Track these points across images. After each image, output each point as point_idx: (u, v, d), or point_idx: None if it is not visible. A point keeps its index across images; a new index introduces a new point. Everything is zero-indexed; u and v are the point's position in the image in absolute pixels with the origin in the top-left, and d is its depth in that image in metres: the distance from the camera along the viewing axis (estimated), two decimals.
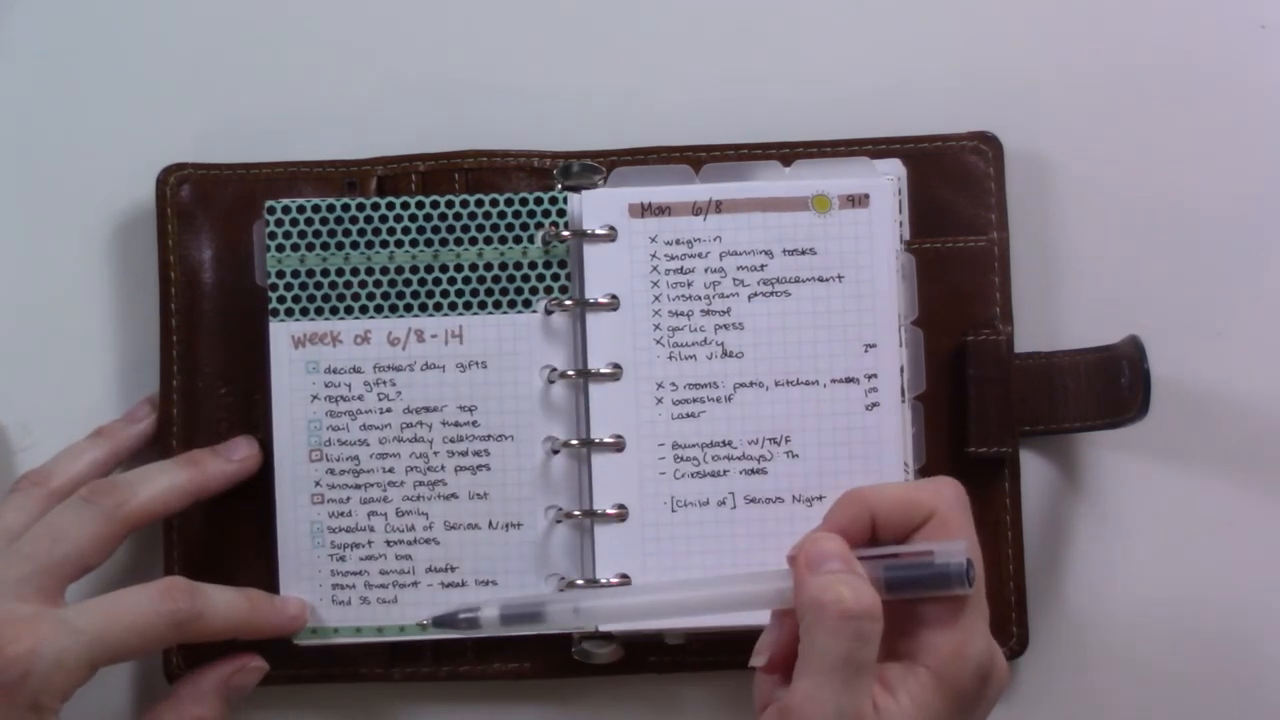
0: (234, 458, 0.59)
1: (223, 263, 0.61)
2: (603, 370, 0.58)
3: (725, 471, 0.58)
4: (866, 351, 0.58)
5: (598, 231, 0.59)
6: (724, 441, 0.58)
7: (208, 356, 0.60)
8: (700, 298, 0.58)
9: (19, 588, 0.54)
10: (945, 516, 0.50)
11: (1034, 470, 0.62)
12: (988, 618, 0.50)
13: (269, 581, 0.59)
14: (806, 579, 0.48)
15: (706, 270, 0.58)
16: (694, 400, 0.58)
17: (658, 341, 0.58)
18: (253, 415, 0.60)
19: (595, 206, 0.59)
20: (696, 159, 0.61)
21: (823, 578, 0.48)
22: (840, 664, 0.47)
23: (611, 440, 0.58)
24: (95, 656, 0.53)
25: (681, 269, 0.59)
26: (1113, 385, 0.59)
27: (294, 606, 0.58)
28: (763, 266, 0.58)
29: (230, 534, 0.60)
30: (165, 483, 0.57)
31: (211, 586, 0.56)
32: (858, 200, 0.58)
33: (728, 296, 0.58)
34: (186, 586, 0.55)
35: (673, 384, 0.58)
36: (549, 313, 0.59)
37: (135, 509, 0.56)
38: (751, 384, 0.58)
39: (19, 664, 0.52)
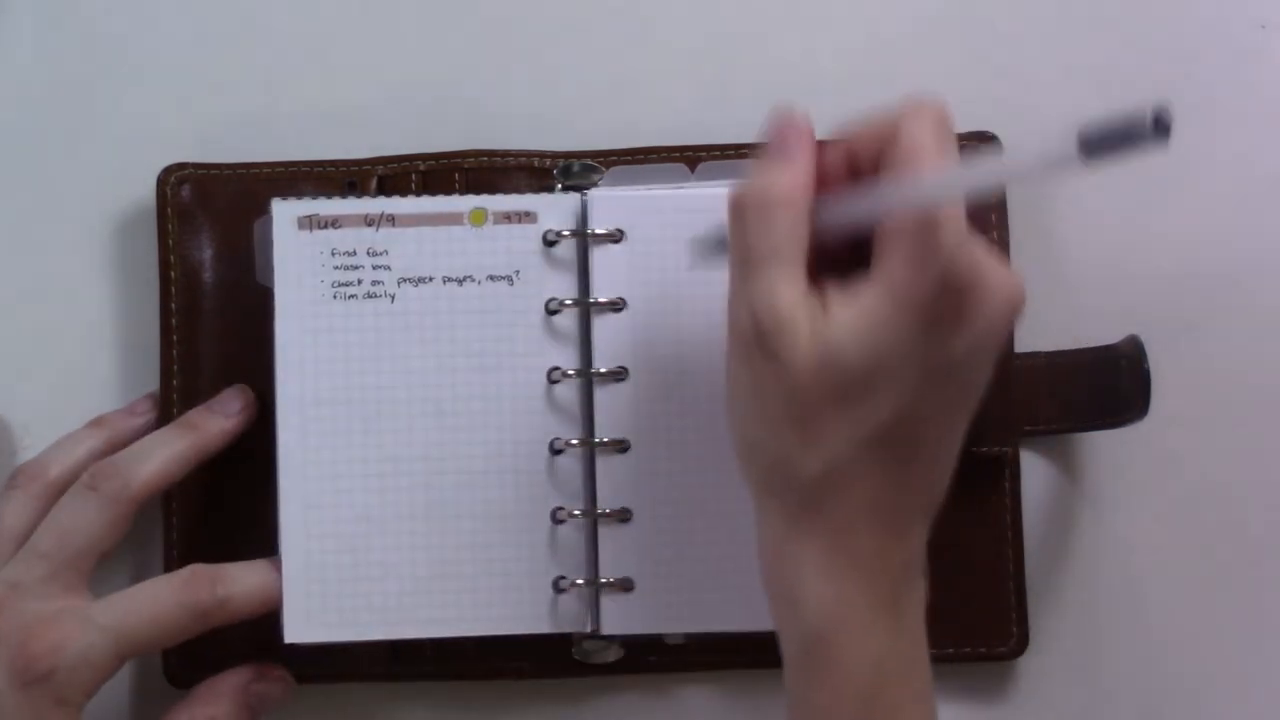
0: (231, 412, 0.59)
1: (223, 262, 0.61)
2: (607, 370, 0.58)
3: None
4: None
5: (604, 232, 0.58)
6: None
7: (208, 356, 0.60)
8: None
9: (44, 588, 0.55)
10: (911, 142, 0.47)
11: (1034, 470, 0.62)
12: (962, 233, 0.46)
13: None
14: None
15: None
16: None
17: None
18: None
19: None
20: (695, 158, 0.61)
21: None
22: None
23: (615, 439, 0.58)
24: (120, 650, 0.54)
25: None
26: (1113, 385, 0.59)
27: None
28: None
29: (231, 534, 0.60)
30: (165, 455, 0.57)
31: (236, 568, 0.56)
32: None
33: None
34: (209, 576, 0.55)
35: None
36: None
37: (139, 489, 0.56)
38: None
39: (44, 661, 0.52)
